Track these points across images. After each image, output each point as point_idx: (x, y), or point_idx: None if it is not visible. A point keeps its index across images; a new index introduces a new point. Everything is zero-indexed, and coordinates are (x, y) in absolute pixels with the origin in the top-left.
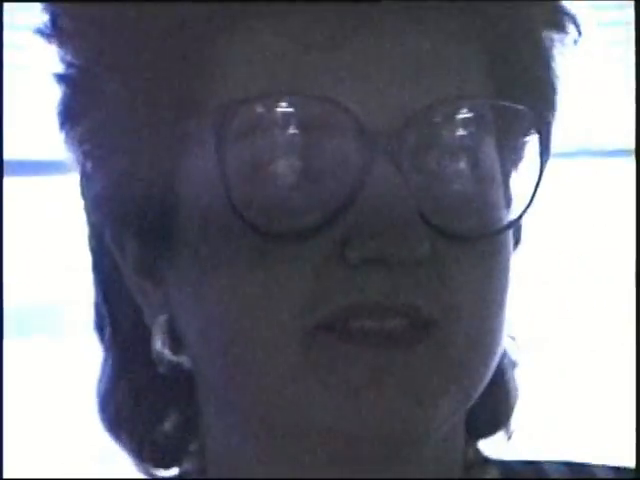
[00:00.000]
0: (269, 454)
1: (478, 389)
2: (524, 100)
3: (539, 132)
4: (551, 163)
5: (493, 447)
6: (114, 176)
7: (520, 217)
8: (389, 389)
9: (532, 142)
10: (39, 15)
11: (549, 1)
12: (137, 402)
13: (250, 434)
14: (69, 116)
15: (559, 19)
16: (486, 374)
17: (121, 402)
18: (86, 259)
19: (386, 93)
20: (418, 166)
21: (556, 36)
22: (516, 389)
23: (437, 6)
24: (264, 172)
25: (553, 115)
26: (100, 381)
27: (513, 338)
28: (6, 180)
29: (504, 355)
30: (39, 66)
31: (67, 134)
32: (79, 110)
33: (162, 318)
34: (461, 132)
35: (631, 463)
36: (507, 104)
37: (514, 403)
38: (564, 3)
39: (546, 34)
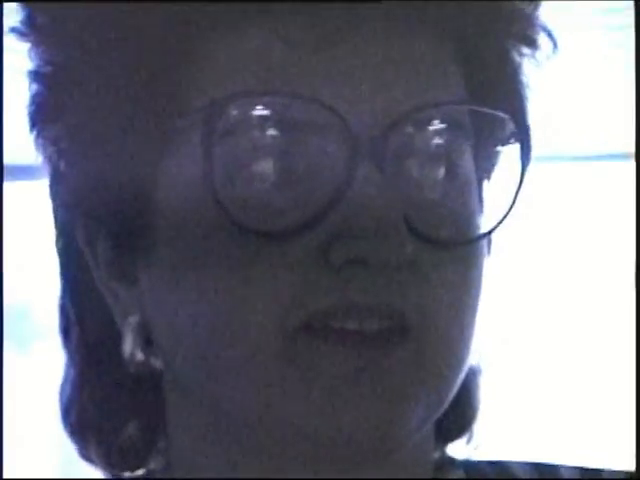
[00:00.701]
0: (240, 454)
1: (450, 395)
2: (497, 108)
3: (520, 140)
4: (551, 167)
5: (488, 449)
6: (90, 175)
7: (500, 223)
8: (366, 390)
9: (509, 150)
10: (14, 14)
11: (522, 14)
12: (103, 405)
13: (223, 434)
14: (44, 114)
15: (531, 33)
16: (458, 380)
17: (87, 405)
18: (52, 262)
19: (371, 96)
20: (401, 170)
21: (527, 50)
22: (479, 394)
23: (417, 13)
24: (250, 170)
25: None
26: (64, 385)
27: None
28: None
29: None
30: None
31: (39, 133)
32: (56, 107)
33: (133, 319)
34: (444, 137)
35: (631, 466)
36: (490, 111)
37: (478, 408)
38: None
39: (517, 47)
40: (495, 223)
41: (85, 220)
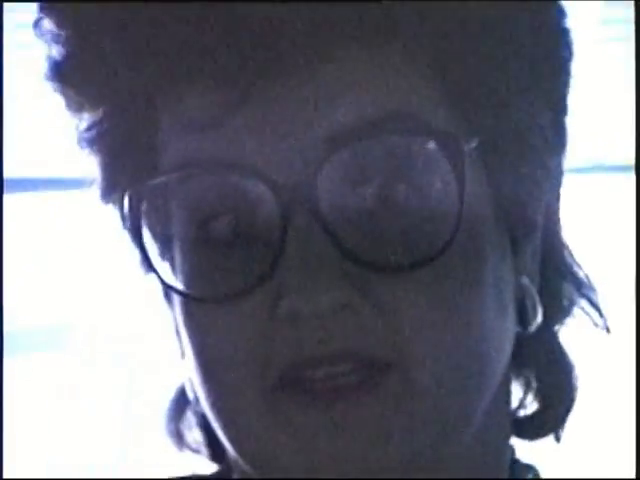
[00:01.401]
0: None
1: (466, 419)
2: (481, 114)
3: (453, 157)
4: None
5: None
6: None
7: (451, 240)
8: (341, 443)
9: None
10: None
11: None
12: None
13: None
14: None
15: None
16: (472, 402)
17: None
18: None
19: (291, 142)
20: (336, 205)
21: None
22: (573, 390)
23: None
24: (187, 246)
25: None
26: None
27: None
28: (6, 197)
29: (559, 357)
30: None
31: None
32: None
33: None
34: (376, 163)
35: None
36: (395, 136)
37: (570, 404)
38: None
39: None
40: (444, 243)
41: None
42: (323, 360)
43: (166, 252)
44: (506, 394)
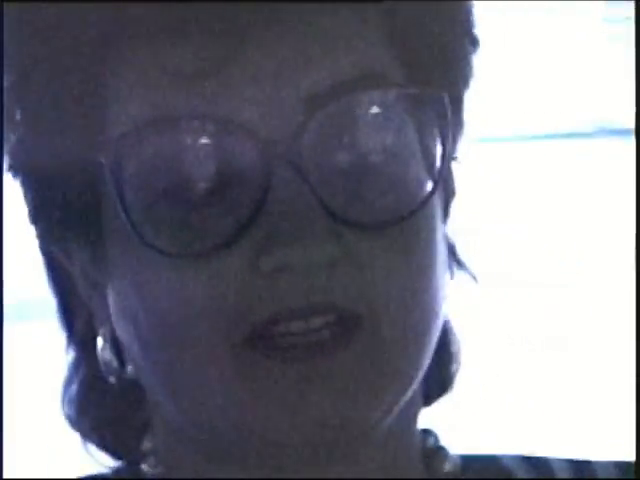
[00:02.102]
0: (210, 458)
1: (418, 375)
2: (434, 74)
3: (437, 115)
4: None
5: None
6: (40, 188)
7: (430, 196)
8: (316, 399)
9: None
10: None
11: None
12: (106, 403)
13: (190, 440)
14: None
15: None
16: (424, 359)
17: (91, 403)
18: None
19: (274, 99)
20: (320, 163)
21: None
22: (458, 351)
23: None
24: (168, 197)
25: (463, 88)
26: (71, 380)
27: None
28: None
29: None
30: None
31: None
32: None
33: (105, 328)
34: (359, 120)
35: (631, 457)
36: (398, 89)
37: (457, 361)
38: None
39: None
40: (420, 202)
41: (59, 228)
42: (303, 312)
43: (138, 209)
44: None
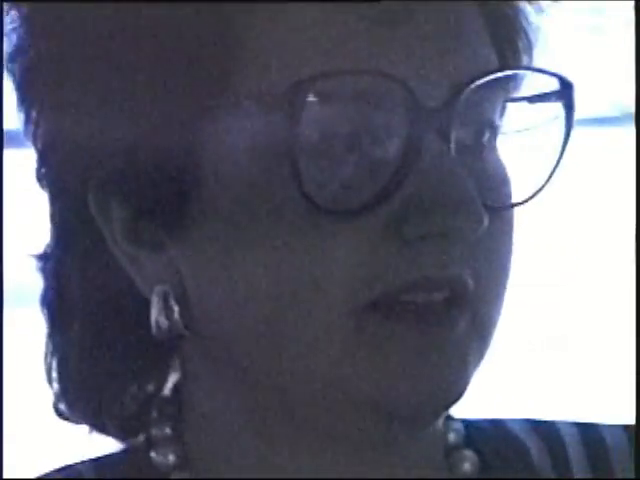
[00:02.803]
0: (280, 425)
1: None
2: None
3: (567, 99)
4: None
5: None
6: (113, 140)
7: (546, 183)
8: (434, 360)
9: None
10: None
11: None
12: (105, 371)
13: (261, 408)
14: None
15: None
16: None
17: (87, 372)
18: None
19: (436, 67)
20: (461, 141)
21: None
22: None
23: None
24: (326, 149)
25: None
26: (58, 356)
27: None
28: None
29: None
30: None
31: (37, 85)
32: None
33: (161, 287)
34: (497, 104)
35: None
36: (547, 71)
37: None
38: None
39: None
40: (542, 183)
41: (99, 187)
42: (434, 285)
43: (305, 162)
44: None
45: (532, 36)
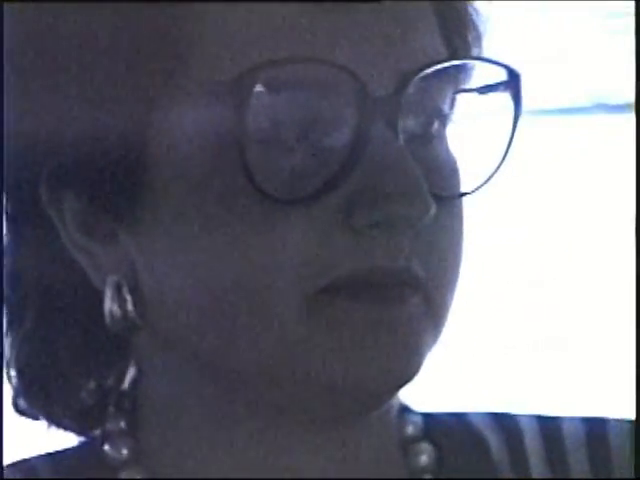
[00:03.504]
0: (235, 409)
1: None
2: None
3: (515, 89)
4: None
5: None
6: (64, 132)
7: (494, 173)
8: (386, 341)
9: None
10: None
11: None
12: (61, 364)
13: (219, 392)
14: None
15: None
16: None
17: (43, 365)
18: None
19: (383, 56)
20: (410, 130)
21: None
22: None
23: None
24: (273, 137)
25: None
26: (15, 351)
27: None
28: None
29: None
30: None
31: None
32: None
33: (112, 278)
34: (445, 93)
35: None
36: (495, 61)
37: None
38: None
39: None
40: (490, 173)
41: (50, 179)
42: (385, 274)
43: (253, 153)
44: None
45: (481, 27)
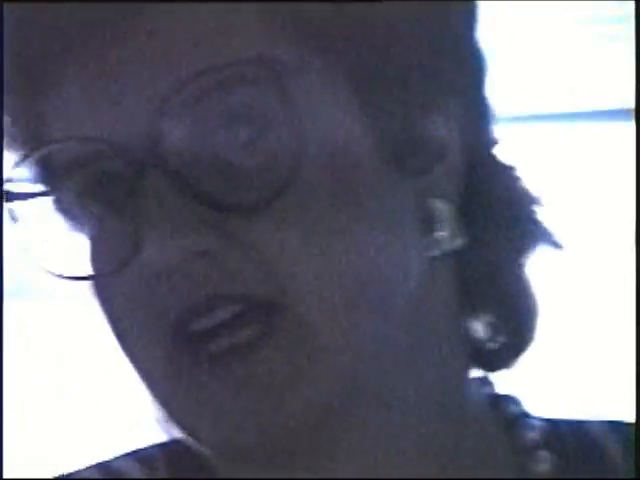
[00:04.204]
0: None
1: (375, 347)
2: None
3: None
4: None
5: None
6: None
7: (293, 174)
8: (247, 400)
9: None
10: None
11: None
12: None
13: None
14: None
15: None
16: (376, 328)
17: None
18: None
19: (122, 109)
20: (184, 154)
21: None
22: (531, 327)
23: None
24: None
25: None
26: None
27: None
28: None
29: (521, 292)
30: None
31: None
32: None
33: None
34: (212, 107)
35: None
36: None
37: (528, 340)
38: None
39: None
40: (288, 178)
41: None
42: (200, 309)
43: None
44: (451, 325)
45: None
